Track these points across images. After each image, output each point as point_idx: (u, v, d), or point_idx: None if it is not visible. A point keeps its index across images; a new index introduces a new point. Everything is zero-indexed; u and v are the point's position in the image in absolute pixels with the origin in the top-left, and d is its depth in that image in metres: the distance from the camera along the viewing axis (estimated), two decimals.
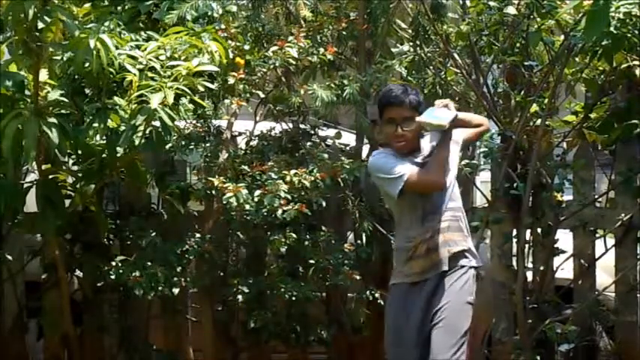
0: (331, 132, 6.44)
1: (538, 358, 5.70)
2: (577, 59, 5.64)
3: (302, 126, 6.32)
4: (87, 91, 5.64)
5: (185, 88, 5.21)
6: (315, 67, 6.18)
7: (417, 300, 4.39)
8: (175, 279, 5.89)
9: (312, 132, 6.31)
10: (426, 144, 4.50)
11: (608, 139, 5.90)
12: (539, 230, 5.86)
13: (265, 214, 5.73)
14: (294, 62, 5.95)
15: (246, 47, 5.96)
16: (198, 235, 6.02)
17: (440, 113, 4.40)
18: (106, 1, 5.84)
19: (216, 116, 6.22)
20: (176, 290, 5.92)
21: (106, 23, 5.32)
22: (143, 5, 5.79)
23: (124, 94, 5.38)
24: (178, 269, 5.91)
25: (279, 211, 5.68)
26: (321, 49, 5.99)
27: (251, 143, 6.30)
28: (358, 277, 5.94)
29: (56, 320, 6.10)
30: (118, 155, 5.52)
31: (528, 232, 5.81)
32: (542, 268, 5.88)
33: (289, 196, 5.71)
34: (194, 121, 6.14)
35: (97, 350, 6.32)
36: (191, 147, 6.11)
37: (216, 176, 5.88)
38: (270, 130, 6.36)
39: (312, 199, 5.82)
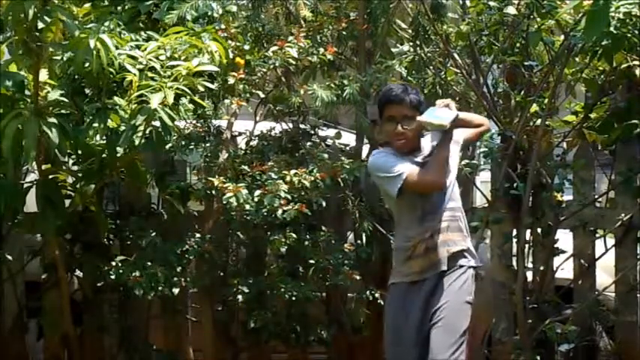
0: (331, 132, 6.44)
1: (538, 358, 5.70)
2: (577, 59, 5.65)
3: (302, 126, 6.32)
4: (87, 91, 5.64)
5: (185, 88, 5.21)
6: (315, 67, 6.18)
7: (416, 299, 4.40)
8: (175, 279, 5.89)
9: (312, 132, 6.31)
10: (427, 143, 4.50)
11: (608, 139, 5.90)
12: (539, 230, 5.86)
13: (265, 214, 5.73)
14: (294, 62, 5.95)
15: (246, 47, 5.96)
16: (198, 235, 6.02)
17: (441, 113, 4.40)
18: (106, 1, 5.84)
19: (216, 116, 6.22)
20: (176, 290, 5.92)
21: (106, 23, 5.32)
22: (143, 5, 5.79)
23: (124, 94, 5.38)
24: (178, 269, 5.91)
25: (279, 211, 5.68)
26: (321, 49, 5.99)
27: (251, 143, 6.31)
28: (358, 277, 5.95)
29: (56, 320, 6.10)
30: (118, 155, 5.52)
31: (528, 232, 5.81)
32: (542, 268, 5.88)
33: (289, 196, 5.71)
34: (194, 121, 6.14)
35: (97, 350, 6.32)
36: (191, 147, 6.11)
37: (216, 176, 5.88)
38: (270, 130, 6.36)
39: (312, 199, 5.82)
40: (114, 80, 5.36)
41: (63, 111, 5.44)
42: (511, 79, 5.97)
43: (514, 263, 5.91)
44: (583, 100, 6.05)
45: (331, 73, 6.25)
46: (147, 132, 5.22)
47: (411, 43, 6.16)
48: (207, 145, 6.12)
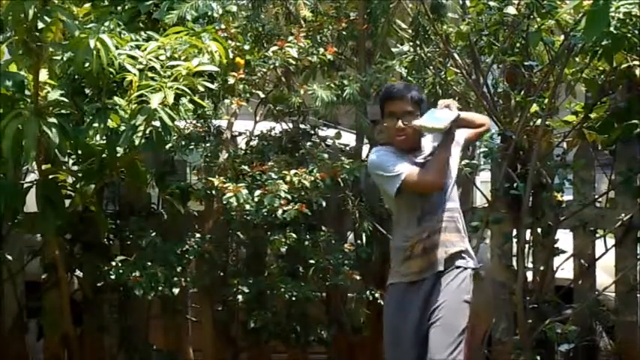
0: (331, 132, 6.44)
1: (538, 358, 5.70)
2: (577, 59, 5.65)
3: (302, 126, 6.32)
4: (87, 91, 5.64)
5: (185, 88, 5.21)
6: (315, 67, 6.18)
7: (415, 299, 4.40)
8: (175, 279, 5.89)
9: (312, 132, 6.31)
10: (428, 143, 4.50)
11: (608, 139, 5.90)
12: (539, 230, 5.86)
13: (265, 214, 5.73)
14: (294, 62, 5.95)
15: (246, 47, 5.96)
16: (198, 235, 6.02)
17: (441, 114, 4.39)
18: (106, 1, 5.84)
19: (216, 116, 6.22)
20: (176, 290, 5.92)
21: (106, 23, 5.32)
22: (143, 5, 5.79)
23: (124, 94, 5.37)
24: (178, 269, 5.91)
25: (279, 211, 5.68)
26: (321, 49, 5.99)
27: (251, 143, 6.31)
28: (358, 277, 5.95)
29: (56, 320, 6.10)
30: (118, 155, 5.52)
31: (528, 232, 5.81)
32: (542, 268, 5.88)
33: (289, 196, 5.71)
34: (194, 121, 6.14)
35: (97, 350, 6.32)
36: (191, 147, 6.11)
37: (216, 176, 5.88)
38: (270, 130, 6.36)
39: (312, 199, 5.82)
40: (114, 80, 5.36)
41: (63, 111, 5.44)
42: (511, 79, 5.97)
43: (514, 263, 5.91)
44: (583, 100, 6.05)
45: (331, 73, 6.25)
46: (147, 132, 5.22)
47: (411, 43, 6.16)
48: (207, 145, 6.12)
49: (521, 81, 5.91)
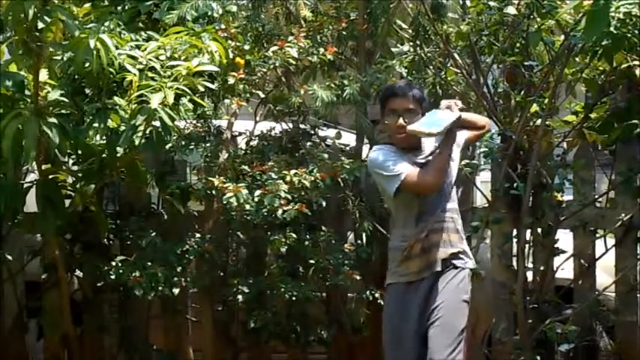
0: (331, 132, 6.44)
1: (538, 358, 5.70)
2: (577, 59, 5.65)
3: (302, 126, 6.32)
4: (87, 91, 5.63)
5: (185, 88, 5.21)
6: (315, 67, 6.18)
7: (414, 299, 4.40)
8: (175, 279, 5.88)
9: (312, 132, 6.31)
10: (429, 143, 4.50)
11: (608, 139, 5.90)
12: (539, 230, 5.86)
13: (265, 214, 5.73)
14: (294, 62, 5.95)
15: (246, 47, 5.96)
16: (198, 235, 6.02)
17: (442, 116, 4.38)
18: (106, 1, 5.84)
19: (216, 116, 6.22)
20: (176, 290, 5.91)
21: (106, 23, 5.31)
22: (143, 5, 5.79)
23: (124, 94, 5.37)
24: (178, 269, 5.91)
25: (279, 211, 5.68)
26: (321, 49, 5.99)
27: (251, 143, 6.30)
28: (358, 277, 5.94)
29: (56, 320, 6.10)
30: (118, 155, 5.52)
31: (528, 232, 5.81)
32: (542, 268, 5.88)
33: (289, 196, 5.71)
34: (194, 121, 6.14)
35: (97, 350, 6.32)
36: (191, 147, 6.10)
37: (216, 176, 5.88)
38: (270, 130, 6.36)
39: (312, 199, 5.82)
40: (114, 80, 5.36)
41: (63, 111, 5.44)
42: (511, 79, 5.97)
43: (514, 263, 5.91)
44: (583, 100, 6.05)
45: (331, 73, 6.25)
46: (147, 132, 5.22)
47: (411, 43, 6.16)
48: (207, 145, 6.12)
49: (521, 81, 5.91)
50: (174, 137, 5.75)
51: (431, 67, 6.07)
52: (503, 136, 5.81)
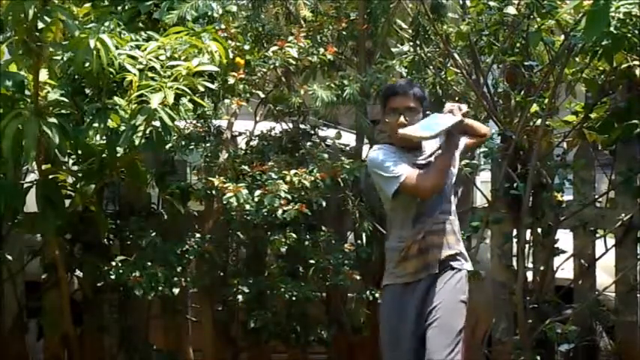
0: (331, 132, 6.44)
1: (538, 358, 5.70)
2: (577, 59, 5.65)
3: (302, 126, 6.32)
4: (87, 91, 5.63)
5: (185, 88, 5.21)
6: (315, 67, 6.18)
7: (411, 300, 4.40)
8: (175, 279, 5.88)
9: (312, 132, 6.31)
10: (429, 143, 4.49)
11: (608, 139, 5.90)
12: (539, 230, 5.86)
13: (265, 214, 5.73)
14: (294, 62, 5.95)
15: (246, 47, 5.96)
16: (198, 235, 6.02)
17: (440, 119, 4.37)
18: (106, 1, 5.84)
19: (216, 116, 6.22)
20: (176, 290, 5.91)
21: (106, 23, 5.31)
22: (143, 5, 5.79)
23: (124, 94, 5.37)
24: (178, 269, 5.91)
25: (279, 211, 5.68)
26: (321, 49, 5.99)
27: (251, 143, 6.30)
28: (358, 277, 5.94)
29: (56, 320, 6.10)
30: (118, 155, 5.52)
31: (528, 232, 5.81)
32: (542, 268, 5.88)
33: (289, 196, 5.71)
34: (194, 121, 6.14)
35: (97, 350, 6.32)
36: (191, 147, 6.10)
37: (216, 176, 5.88)
38: (270, 130, 6.36)
39: (312, 199, 5.82)
40: (114, 80, 5.36)
41: (63, 111, 5.44)
42: (511, 79, 5.97)
43: (514, 263, 5.91)
44: (583, 100, 6.05)
45: (331, 73, 6.25)
46: (147, 132, 5.22)
47: (411, 43, 6.16)
48: (207, 145, 6.12)
49: (521, 81, 5.91)
50: (174, 137, 5.75)
51: (431, 67, 6.07)
52: (503, 136, 5.81)
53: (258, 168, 5.91)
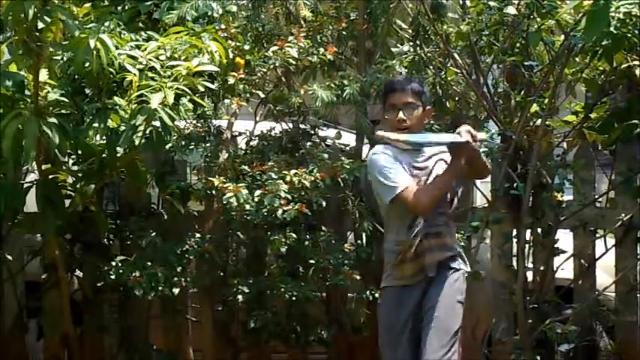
0: (331, 132, 6.44)
1: (538, 358, 5.69)
2: (577, 59, 5.65)
3: (302, 126, 6.32)
4: (87, 91, 5.64)
5: (185, 88, 5.21)
6: (315, 67, 6.17)
7: (409, 301, 4.40)
8: (175, 279, 5.88)
9: (312, 132, 6.31)
10: (430, 148, 4.49)
11: (608, 139, 5.90)
12: (539, 230, 5.86)
13: (265, 214, 5.73)
14: (294, 62, 5.95)
15: (246, 47, 5.96)
16: (198, 235, 6.02)
17: (435, 136, 4.33)
18: (106, 1, 5.84)
19: (216, 116, 6.22)
20: (176, 290, 5.91)
21: (106, 23, 5.32)
22: (143, 5, 5.79)
23: (124, 94, 5.37)
24: (178, 269, 5.91)
25: (279, 211, 5.68)
26: (321, 49, 5.99)
27: (251, 143, 6.30)
28: (358, 277, 5.94)
29: (56, 320, 6.10)
30: (118, 155, 5.52)
31: (528, 232, 5.81)
32: (542, 268, 5.88)
33: (289, 196, 5.71)
34: (194, 121, 6.14)
35: (97, 350, 6.32)
36: (191, 147, 6.10)
37: (216, 176, 5.88)
38: (270, 130, 6.36)
39: (312, 199, 5.82)
40: (114, 80, 5.36)
41: (63, 111, 5.44)
42: (511, 79, 5.96)
43: (514, 263, 5.91)
44: (583, 100, 6.05)
45: (331, 73, 6.25)
46: (147, 132, 5.22)
47: (411, 43, 6.15)
48: (207, 145, 6.12)
49: (521, 81, 5.90)
50: (174, 137, 5.75)
51: (431, 67, 6.07)
52: (503, 136, 5.80)
53: (258, 168, 5.91)
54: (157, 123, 5.18)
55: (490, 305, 6.09)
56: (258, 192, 5.73)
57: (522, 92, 5.83)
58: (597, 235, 6.06)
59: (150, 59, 5.23)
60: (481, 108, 5.92)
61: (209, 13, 5.86)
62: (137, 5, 5.81)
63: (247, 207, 5.71)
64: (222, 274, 6.21)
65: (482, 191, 6.07)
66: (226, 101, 6.05)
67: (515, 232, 5.88)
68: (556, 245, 5.85)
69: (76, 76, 5.58)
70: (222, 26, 5.87)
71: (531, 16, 5.46)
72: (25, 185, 5.80)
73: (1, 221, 6.10)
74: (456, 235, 4.58)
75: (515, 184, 5.68)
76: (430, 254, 4.37)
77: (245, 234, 6.15)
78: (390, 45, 6.40)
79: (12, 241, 6.26)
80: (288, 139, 6.27)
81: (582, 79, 5.73)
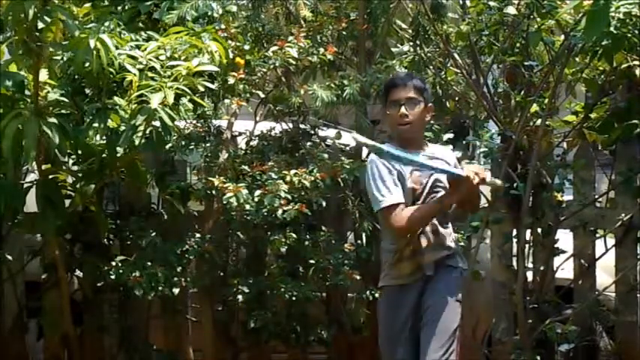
0: (331, 132, 6.44)
1: (538, 358, 5.69)
2: (577, 59, 5.64)
3: (302, 126, 6.32)
4: (87, 91, 5.64)
5: (185, 88, 5.21)
6: (315, 67, 6.18)
7: (408, 300, 4.40)
8: (175, 279, 5.88)
9: (312, 132, 6.31)
10: (438, 148, 4.48)
11: (608, 139, 5.90)
12: (539, 230, 5.86)
13: (265, 214, 5.73)
14: (294, 62, 5.95)
15: (246, 47, 5.95)
16: (198, 235, 6.01)
17: (428, 161, 4.29)
18: (106, 1, 5.84)
19: (216, 116, 6.22)
20: (176, 290, 5.91)
21: (106, 23, 5.32)
22: (143, 5, 5.80)
23: (124, 94, 5.37)
24: (178, 269, 5.91)
25: (279, 211, 5.68)
26: (321, 49, 5.99)
27: (251, 143, 6.30)
28: (358, 277, 5.94)
29: (56, 320, 6.10)
30: (118, 155, 5.52)
31: (528, 232, 5.81)
32: (542, 268, 5.88)
33: (289, 196, 5.71)
34: (194, 121, 6.14)
35: (97, 350, 6.32)
36: (191, 147, 6.10)
37: (216, 176, 5.87)
38: (270, 130, 6.36)
39: (312, 199, 5.81)
40: (114, 80, 5.36)
41: (63, 111, 5.44)
42: (511, 79, 5.97)
43: (514, 263, 5.91)
44: (583, 100, 6.05)
45: (331, 73, 6.25)
46: (147, 132, 5.22)
47: (411, 43, 6.16)
48: (207, 145, 6.12)
49: (521, 81, 5.91)
50: (174, 137, 5.75)
51: (431, 67, 6.07)
52: (503, 136, 5.81)
53: (258, 168, 5.91)
54: (157, 123, 5.18)
55: (490, 305, 6.09)
56: (258, 192, 5.73)
57: (522, 92, 5.83)
58: (597, 235, 6.06)
59: (150, 59, 5.23)
60: (481, 108, 5.92)
61: (209, 13, 5.86)
62: (137, 5, 5.81)
63: (247, 207, 5.71)
64: (222, 274, 6.21)
65: (483, 191, 6.06)
66: (226, 101, 6.05)
67: (515, 232, 5.87)
68: (556, 245, 5.85)
69: (76, 76, 5.58)
70: (222, 26, 5.87)
71: (531, 16, 5.46)
72: (25, 185, 5.80)
73: (1, 221, 6.10)
74: (456, 234, 4.57)
75: (515, 184, 5.68)
76: (428, 253, 4.37)
77: (245, 234, 6.15)
78: (390, 45, 6.40)
79: (12, 241, 6.26)
80: (288, 139, 6.27)
81: (582, 79, 5.73)
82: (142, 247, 5.96)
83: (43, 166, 5.67)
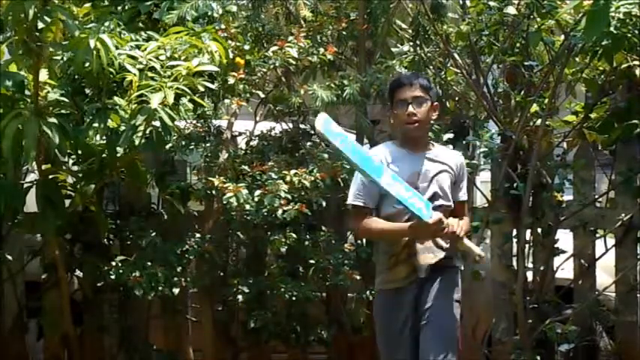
0: None
1: (538, 358, 5.70)
2: (577, 59, 5.65)
3: (302, 126, 6.32)
4: (87, 91, 5.64)
5: (185, 88, 5.21)
6: (315, 67, 6.18)
7: (405, 301, 4.39)
8: (175, 279, 5.88)
9: (312, 132, 6.31)
10: (437, 150, 4.48)
11: (608, 139, 5.90)
12: (539, 230, 5.86)
13: (265, 214, 5.73)
14: (294, 62, 5.95)
15: (246, 47, 5.96)
16: (198, 235, 6.01)
17: (395, 189, 4.27)
18: (106, 1, 5.85)
19: (216, 116, 6.22)
20: (176, 290, 5.91)
21: (106, 23, 5.32)
22: (143, 5, 5.80)
23: (124, 94, 5.38)
24: (178, 269, 5.91)
25: (279, 211, 5.68)
26: (321, 49, 5.99)
27: (251, 143, 6.30)
28: (358, 277, 5.94)
29: (56, 320, 6.10)
30: (118, 155, 5.52)
31: (528, 232, 5.81)
32: (542, 268, 5.88)
33: (289, 196, 5.71)
34: (194, 121, 6.14)
35: (97, 350, 6.32)
36: (191, 147, 6.10)
37: (216, 176, 5.87)
38: (270, 130, 6.36)
39: (312, 199, 5.82)
40: (114, 80, 5.36)
41: (63, 111, 5.44)
42: (511, 79, 5.97)
43: (514, 263, 5.91)
44: (583, 100, 6.06)
45: (331, 73, 6.25)
46: (147, 132, 5.22)
47: (411, 43, 6.16)
48: (207, 145, 6.12)
49: (521, 81, 5.91)
50: (174, 137, 5.75)
51: (431, 67, 6.07)
52: (503, 136, 5.81)
53: (258, 168, 5.91)
54: (157, 123, 5.18)
55: (490, 305, 6.09)
56: (258, 192, 5.73)
57: (522, 92, 5.83)
58: (597, 235, 6.06)
59: (150, 59, 5.23)
60: (481, 108, 5.92)
61: (209, 13, 5.86)
62: (137, 5, 5.81)
63: (247, 207, 5.71)
64: (222, 274, 6.21)
65: (482, 191, 6.07)
66: (226, 101, 6.05)
67: (515, 232, 5.88)
68: (556, 245, 5.86)
69: (76, 76, 5.58)
70: (222, 26, 5.87)
71: (531, 16, 5.47)
72: (25, 185, 5.81)
73: (1, 221, 6.10)
74: None
75: (515, 184, 5.68)
76: (423, 255, 4.37)
77: (245, 234, 6.15)
78: (390, 45, 6.40)
79: (12, 241, 6.26)
80: (288, 139, 6.27)
81: (582, 79, 5.73)
82: (142, 247, 5.96)
83: (43, 166, 5.67)
